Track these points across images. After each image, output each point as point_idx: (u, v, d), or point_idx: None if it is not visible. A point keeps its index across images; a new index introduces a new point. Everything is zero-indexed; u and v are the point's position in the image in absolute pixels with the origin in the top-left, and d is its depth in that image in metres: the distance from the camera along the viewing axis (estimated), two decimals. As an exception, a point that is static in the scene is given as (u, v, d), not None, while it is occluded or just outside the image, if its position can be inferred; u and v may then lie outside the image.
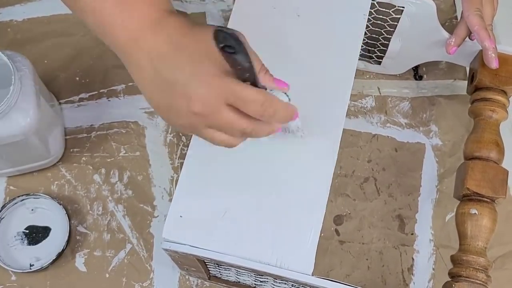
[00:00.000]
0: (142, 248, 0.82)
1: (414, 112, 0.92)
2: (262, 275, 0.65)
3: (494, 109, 0.77)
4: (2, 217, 0.81)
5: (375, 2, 0.76)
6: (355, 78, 0.69)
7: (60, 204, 0.81)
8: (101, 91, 0.91)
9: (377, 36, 0.85)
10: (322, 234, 0.61)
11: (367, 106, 0.92)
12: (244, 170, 0.63)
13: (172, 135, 0.88)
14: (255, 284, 0.73)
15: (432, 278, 0.82)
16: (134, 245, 0.82)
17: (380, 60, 0.90)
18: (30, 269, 0.78)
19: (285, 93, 0.55)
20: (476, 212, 0.71)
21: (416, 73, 0.94)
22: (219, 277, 0.77)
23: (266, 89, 0.53)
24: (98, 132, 0.88)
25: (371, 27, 0.82)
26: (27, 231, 0.81)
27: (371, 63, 0.92)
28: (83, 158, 0.86)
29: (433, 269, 0.82)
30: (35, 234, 0.81)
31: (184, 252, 0.61)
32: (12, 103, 0.70)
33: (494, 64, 0.75)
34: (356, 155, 0.88)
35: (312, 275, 0.59)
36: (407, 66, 0.91)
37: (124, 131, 0.88)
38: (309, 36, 0.70)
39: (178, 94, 0.49)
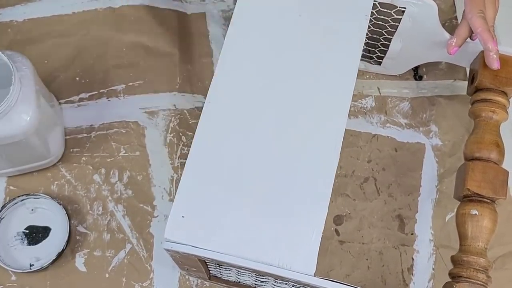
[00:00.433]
0: (142, 248, 0.82)
1: (414, 112, 0.92)
2: (263, 276, 0.65)
3: (494, 110, 0.77)
4: (2, 217, 0.81)
5: (376, 3, 0.77)
6: (355, 78, 0.69)
7: (60, 204, 0.81)
8: (101, 91, 0.91)
9: (377, 37, 0.85)
10: (322, 234, 0.61)
11: (367, 106, 0.92)
12: (246, 171, 0.63)
13: (172, 135, 0.88)
14: (255, 284, 0.73)
15: (432, 278, 0.82)
16: (134, 245, 0.82)
17: (381, 60, 0.90)
18: (30, 269, 0.78)
19: None
20: (477, 213, 0.71)
21: (416, 73, 0.94)
22: (219, 277, 0.77)
23: None
24: (98, 132, 0.88)
25: (372, 28, 0.83)
26: (27, 231, 0.81)
27: (371, 63, 0.92)
28: (83, 158, 0.86)
29: (433, 269, 0.82)
30: (35, 234, 0.81)
31: (185, 253, 0.61)
32: (12, 103, 0.69)
33: (495, 65, 0.75)
34: (356, 155, 0.88)
35: (314, 275, 0.59)
36: (407, 66, 0.91)
37: (124, 131, 0.88)
38: (311, 36, 0.70)
39: None
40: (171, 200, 0.84)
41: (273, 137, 0.65)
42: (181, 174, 0.83)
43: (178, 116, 0.90)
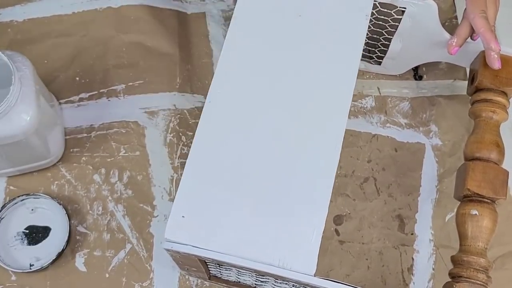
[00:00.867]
0: (142, 248, 0.82)
1: (414, 112, 0.92)
2: (264, 276, 0.65)
3: (494, 110, 0.77)
4: (2, 217, 0.81)
5: (376, 3, 0.77)
6: (354, 78, 0.69)
7: (60, 204, 0.81)
8: (101, 91, 0.90)
9: (378, 37, 0.85)
10: (322, 234, 0.61)
11: (367, 106, 0.92)
12: (246, 171, 0.63)
13: (172, 135, 0.88)
14: (255, 284, 0.73)
15: (432, 278, 0.82)
16: (134, 245, 0.82)
17: (381, 60, 0.90)
18: (30, 269, 0.78)
19: None
20: (477, 213, 0.71)
21: (416, 73, 0.94)
22: (220, 277, 0.77)
23: None
24: (98, 132, 0.88)
25: (372, 28, 0.83)
26: (27, 231, 0.81)
27: (371, 63, 0.92)
28: (83, 158, 0.86)
29: (433, 269, 0.82)
30: (35, 234, 0.81)
31: (186, 253, 0.61)
32: (12, 103, 0.69)
33: (497, 65, 0.75)
34: (356, 155, 0.88)
35: (314, 275, 0.59)
36: (407, 66, 0.91)
37: (124, 131, 0.88)
38: (311, 36, 0.70)
39: None
40: (171, 200, 0.84)
41: (273, 137, 0.65)
42: (181, 174, 0.83)
43: (178, 116, 0.90)
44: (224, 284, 0.79)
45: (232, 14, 0.72)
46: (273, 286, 0.70)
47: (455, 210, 0.75)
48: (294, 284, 0.63)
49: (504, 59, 0.77)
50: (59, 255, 0.79)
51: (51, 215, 0.82)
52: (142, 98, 0.91)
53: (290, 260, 0.60)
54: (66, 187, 0.84)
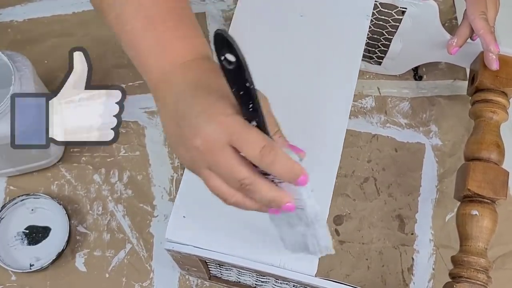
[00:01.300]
0: (142, 248, 0.82)
1: (414, 112, 0.92)
2: (264, 276, 0.65)
3: (494, 110, 0.77)
4: (2, 217, 0.81)
5: (377, 3, 0.77)
6: (355, 78, 0.69)
7: (60, 204, 0.81)
8: (101, 91, 0.90)
9: (378, 37, 0.85)
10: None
11: (367, 106, 0.92)
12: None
13: (172, 135, 0.88)
14: (256, 284, 0.73)
15: (432, 278, 0.82)
16: (134, 245, 0.82)
17: (381, 60, 0.90)
18: (30, 269, 0.78)
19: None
20: (477, 213, 0.71)
21: (416, 73, 0.94)
22: (220, 277, 0.77)
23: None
24: (98, 132, 0.88)
25: (372, 28, 0.83)
26: (27, 231, 0.81)
27: (371, 63, 0.92)
28: (83, 158, 0.86)
29: (433, 269, 0.83)
30: (35, 234, 0.81)
31: (186, 253, 0.61)
32: (12, 103, 0.70)
33: (495, 65, 0.76)
34: (356, 155, 0.88)
35: (315, 276, 0.59)
36: (407, 66, 0.91)
37: (124, 131, 0.88)
38: (312, 36, 0.70)
39: (187, 126, 0.47)
40: (171, 200, 0.84)
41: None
42: (181, 174, 0.83)
43: (178, 116, 0.90)
44: (224, 284, 0.79)
45: (232, 14, 0.72)
46: (274, 286, 0.70)
47: (455, 210, 0.75)
48: (294, 284, 0.63)
49: (504, 59, 0.77)
50: (59, 255, 0.79)
51: (51, 215, 0.82)
52: (142, 98, 0.91)
53: (291, 260, 0.60)
54: (66, 187, 0.84)
